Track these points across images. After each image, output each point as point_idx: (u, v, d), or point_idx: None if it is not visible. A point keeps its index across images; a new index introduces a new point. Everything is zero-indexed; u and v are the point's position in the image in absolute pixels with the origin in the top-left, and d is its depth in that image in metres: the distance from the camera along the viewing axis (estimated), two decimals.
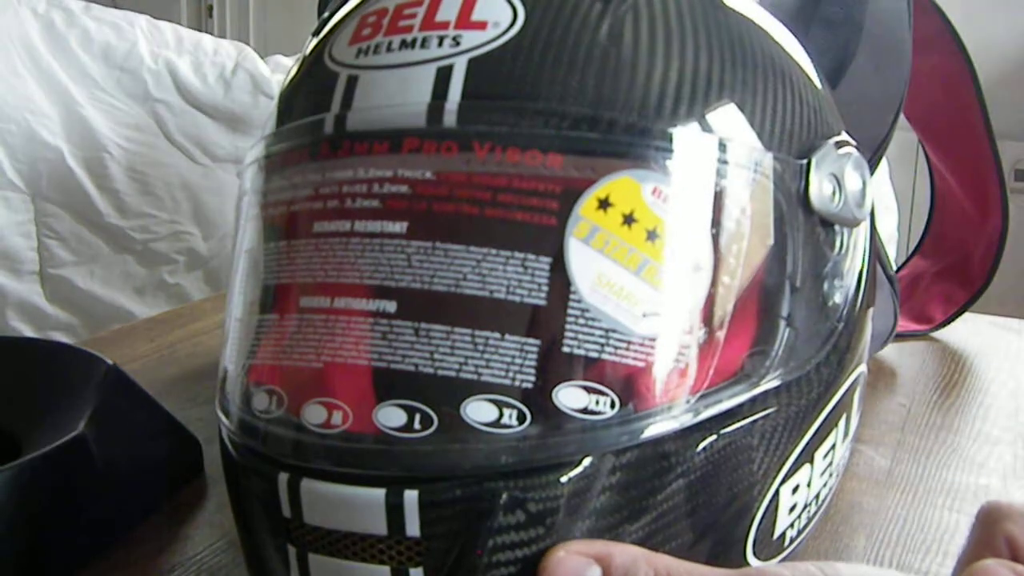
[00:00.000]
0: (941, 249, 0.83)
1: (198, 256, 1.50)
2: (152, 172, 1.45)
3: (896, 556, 0.48)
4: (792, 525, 0.39)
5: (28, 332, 1.34)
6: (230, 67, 1.52)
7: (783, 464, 0.37)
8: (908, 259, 0.85)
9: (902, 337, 0.80)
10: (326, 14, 0.41)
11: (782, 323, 0.36)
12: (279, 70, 1.53)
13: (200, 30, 1.69)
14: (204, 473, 0.56)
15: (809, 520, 0.41)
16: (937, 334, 0.83)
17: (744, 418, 0.35)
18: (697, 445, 0.33)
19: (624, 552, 0.32)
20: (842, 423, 0.41)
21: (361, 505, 0.32)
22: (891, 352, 0.77)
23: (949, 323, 0.82)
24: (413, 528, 0.31)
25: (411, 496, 0.31)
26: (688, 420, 0.33)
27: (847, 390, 0.40)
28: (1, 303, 1.35)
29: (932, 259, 0.84)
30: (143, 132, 1.46)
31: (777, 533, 0.38)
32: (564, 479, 0.32)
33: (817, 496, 0.40)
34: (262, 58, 1.57)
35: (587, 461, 0.32)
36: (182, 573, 0.46)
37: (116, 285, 1.44)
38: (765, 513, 0.37)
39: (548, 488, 0.32)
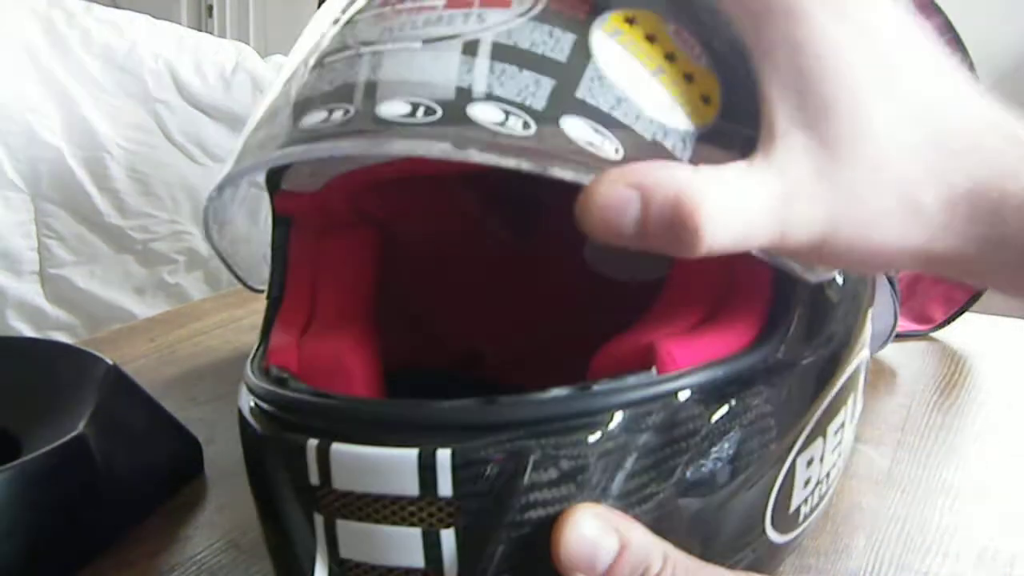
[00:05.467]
0: None
1: (198, 256, 1.49)
2: (152, 172, 1.45)
3: (896, 556, 0.48)
4: (806, 501, 0.40)
5: (28, 332, 1.34)
6: (230, 67, 1.52)
7: (799, 435, 0.38)
8: None
9: (902, 337, 0.80)
10: None
11: (796, 293, 0.37)
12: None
13: (200, 30, 1.69)
14: (204, 473, 0.56)
15: (820, 499, 0.42)
16: (937, 334, 0.83)
17: (762, 384, 0.36)
18: (719, 409, 0.35)
19: (644, 539, 0.32)
20: (851, 401, 0.42)
21: (393, 466, 0.32)
22: (891, 352, 0.77)
23: (949, 323, 0.82)
24: (446, 488, 0.32)
25: (444, 455, 0.31)
26: (709, 384, 0.34)
27: (855, 369, 0.41)
28: (1, 303, 1.35)
29: None
30: (143, 132, 1.46)
31: (793, 507, 0.39)
32: (592, 438, 0.32)
33: (828, 475, 0.42)
34: (262, 58, 1.57)
35: (615, 421, 0.33)
36: (182, 573, 0.46)
37: (116, 285, 1.44)
38: (783, 484, 0.38)
39: (579, 446, 0.32)
